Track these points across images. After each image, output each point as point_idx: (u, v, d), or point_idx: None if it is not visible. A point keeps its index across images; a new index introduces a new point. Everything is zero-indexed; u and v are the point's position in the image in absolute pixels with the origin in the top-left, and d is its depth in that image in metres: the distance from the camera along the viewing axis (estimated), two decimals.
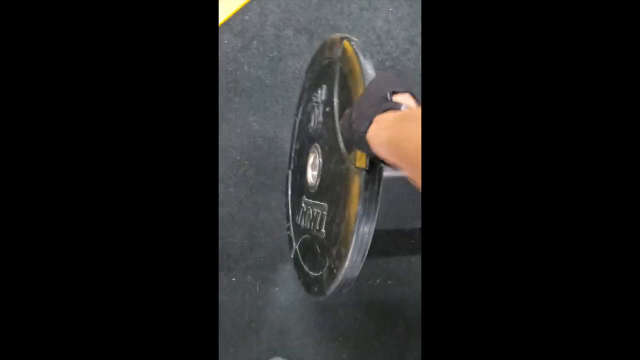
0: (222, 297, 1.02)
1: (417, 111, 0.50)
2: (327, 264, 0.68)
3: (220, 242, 1.04)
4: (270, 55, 1.09)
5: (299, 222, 0.87)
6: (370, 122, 0.54)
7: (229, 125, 1.07)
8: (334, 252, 0.65)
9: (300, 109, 0.94)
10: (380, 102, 0.54)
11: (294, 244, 0.88)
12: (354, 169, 0.62)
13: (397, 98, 0.55)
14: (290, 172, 0.98)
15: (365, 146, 0.55)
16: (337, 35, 0.75)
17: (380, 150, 0.53)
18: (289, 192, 0.98)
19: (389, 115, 0.53)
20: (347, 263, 0.61)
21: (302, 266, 0.82)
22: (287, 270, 1.05)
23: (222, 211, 1.05)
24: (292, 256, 0.90)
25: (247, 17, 1.09)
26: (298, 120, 0.95)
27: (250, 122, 1.08)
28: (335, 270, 0.64)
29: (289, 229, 0.95)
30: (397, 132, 0.49)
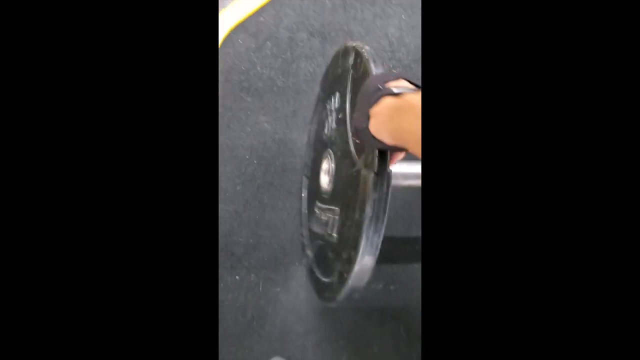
0: (225, 295, 1.02)
1: (409, 98, 0.50)
2: (339, 268, 0.68)
3: (225, 240, 1.04)
4: (283, 56, 1.10)
5: (312, 228, 0.88)
6: (369, 117, 0.55)
7: (239, 124, 1.08)
8: (345, 256, 0.65)
9: (315, 118, 0.95)
10: (373, 94, 0.55)
11: (307, 251, 0.88)
12: (364, 172, 0.62)
13: (389, 85, 0.55)
14: (306, 179, 0.99)
15: (372, 140, 0.56)
16: (349, 44, 0.76)
17: (388, 141, 0.54)
18: (304, 199, 0.98)
19: (383, 106, 0.53)
20: (356, 267, 0.61)
21: (315, 272, 0.82)
22: (290, 271, 1.05)
23: (229, 209, 1.05)
24: (304, 262, 0.89)
25: (262, 19, 1.11)
26: (313, 129, 0.96)
27: (260, 122, 1.08)
28: (345, 275, 0.64)
29: (302, 234, 0.95)
30: (396, 125, 0.50)
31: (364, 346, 1.05)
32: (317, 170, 0.85)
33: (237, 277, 1.04)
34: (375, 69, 0.65)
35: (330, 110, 0.84)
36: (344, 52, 0.78)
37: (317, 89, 1.11)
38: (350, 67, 0.74)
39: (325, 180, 0.80)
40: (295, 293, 1.05)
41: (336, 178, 0.75)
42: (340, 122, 0.76)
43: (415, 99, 0.49)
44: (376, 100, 0.54)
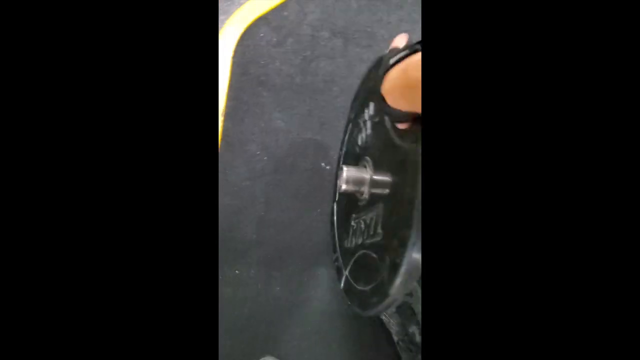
0: (223, 289, 1.02)
1: (411, 74, 0.51)
2: (388, 261, 0.63)
3: (228, 234, 1.04)
4: (304, 54, 1.09)
5: (347, 245, 0.86)
6: (384, 98, 0.57)
7: (253, 119, 1.07)
8: (396, 243, 0.61)
9: (346, 138, 0.93)
10: (380, 75, 0.58)
11: (344, 271, 0.86)
12: (410, 147, 0.59)
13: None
14: (335, 204, 0.97)
15: (398, 113, 0.57)
16: (381, 55, 0.75)
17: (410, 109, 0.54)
18: (336, 223, 0.97)
19: (390, 83, 0.55)
20: (411, 241, 0.55)
21: (355, 288, 0.79)
22: (291, 270, 1.04)
23: (234, 204, 1.05)
24: (342, 286, 0.87)
25: (285, 14, 1.09)
26: (343, 152, 0.94)
27: (274, 119, 1.07)
28: (398, 260, 0.59)
29: (337, 259, 0.93)
30: (411, 100, 0.51)
31: (357, 352, 1.04)
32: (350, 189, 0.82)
33: (236, 271, 1.03)
34: None
35: (365, 121, 0.81)
36: (376, 64, 0.77)
37: (335, 89, 1.10)
38: (383, 73, 0.73)
39: (360, 190, 0.78)
40: (294, 293, 1.04)
41: (374, 181, 0.74)
42: (377, 124, 0.73)
43: (414, 69, 0.49)
44: (382, 78, 0.55)
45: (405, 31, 1.11)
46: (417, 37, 1.14)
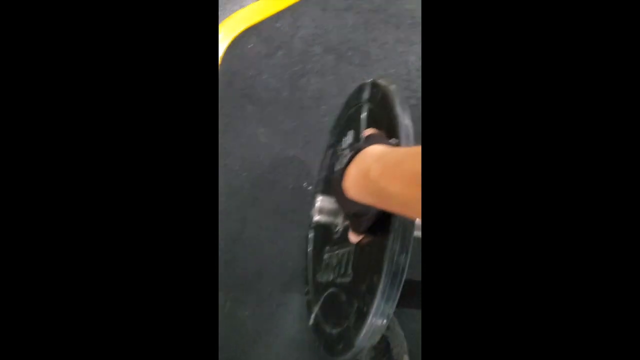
0: None
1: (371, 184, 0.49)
2: (355, 306, 0.59)
3: None
4: (293, 69, 1.05)
5: (319, 280, 0.81)
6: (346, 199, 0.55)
7: (235, 132, 1.02)
8: (364, 288, 0.57)
9: (325, 166, 0.89)
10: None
11: (314, 308, 0.82)
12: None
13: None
14: (312, 231, 0.93)
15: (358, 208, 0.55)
16: (365, 81, 0.72)
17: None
18: (310, 253, 0.92)
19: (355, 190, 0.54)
20: (379, 290, 0.51)
21: (324, 329, 0.74)
22: (261, 295, 0.98)
23: None
24: (310, 323, 0.82)
25: (278, 25, 1.05)
26: (322, 177, 0.90)
27: (257, 134, 1.02)
28: (365, 308, 0.55)
29: (307, 292, 0.89)
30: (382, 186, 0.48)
31: None
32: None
33: None
34: (400, 108, 0.59)
35: (343, 150, 0.78)
36: (358, 90, 0.73)
37: (323, 107, 1.06)
38: (366, 102, 0.69)
39: (334, 221, 0.74)
40: (262, 319, 0.98)
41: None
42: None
43: (412, 162, 0.44)
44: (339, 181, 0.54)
45: (401, 52, 1.08)
46: (414, 59, 1.10)
